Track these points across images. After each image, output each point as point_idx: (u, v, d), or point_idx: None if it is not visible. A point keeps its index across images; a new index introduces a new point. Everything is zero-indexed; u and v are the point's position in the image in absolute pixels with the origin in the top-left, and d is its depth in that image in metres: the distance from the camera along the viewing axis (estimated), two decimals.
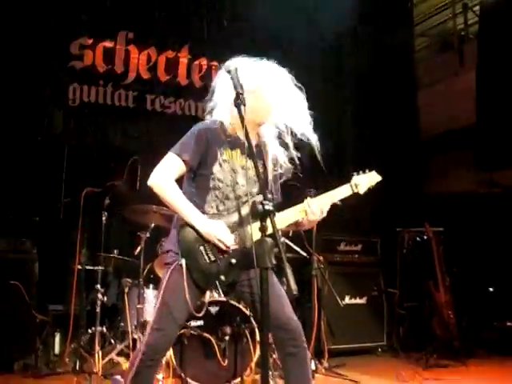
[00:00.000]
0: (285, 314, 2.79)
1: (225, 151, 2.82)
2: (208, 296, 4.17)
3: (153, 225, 4.87)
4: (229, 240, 2.72)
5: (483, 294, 6.69)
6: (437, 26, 9.21)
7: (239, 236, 2.77)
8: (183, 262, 2.71)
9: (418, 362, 5.57)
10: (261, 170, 2.72)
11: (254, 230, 2.60)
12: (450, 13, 8.73)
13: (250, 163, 2.76)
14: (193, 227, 2.72)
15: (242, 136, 2.74)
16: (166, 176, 2.77)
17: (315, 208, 2.81)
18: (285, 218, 2.82)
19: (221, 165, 2.81)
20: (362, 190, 2.95)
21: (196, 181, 2.85)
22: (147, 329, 2.79)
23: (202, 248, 2.74)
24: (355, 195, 2.95)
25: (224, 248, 2.72)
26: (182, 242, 2.76)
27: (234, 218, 2.80)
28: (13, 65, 5.91)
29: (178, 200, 2.76)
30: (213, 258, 2.74)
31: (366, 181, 2.96)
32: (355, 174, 2.97)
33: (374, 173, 3.01)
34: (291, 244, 4.91)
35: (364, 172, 2.99)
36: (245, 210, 2.81)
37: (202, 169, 2.82)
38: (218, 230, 2.71)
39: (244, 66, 2.80)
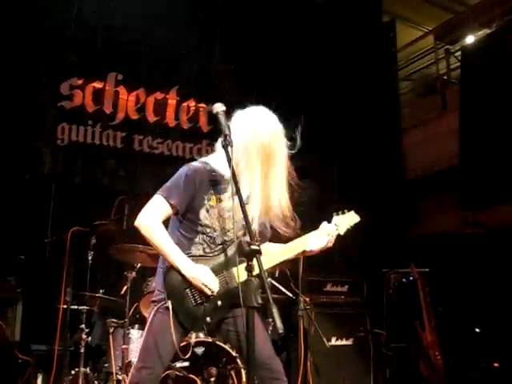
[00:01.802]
0: (266, 354, 2.81)
1: (212, 196, 2.83)
2: (194, 337, 4.15)
3: (139, 264, 4.86)
4: (214, 285, 2.74)
5: (470, 335, 6.68)
6: (420, 70, 9.44)
7: (225, 278, 2.79)
8: (169, 303, 2.72)
9: None
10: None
11: (240, 270, 2.62)
12: (433, 58, 8.96)
13: (237, 206, 2.78)
14: (178, 271, 2.74)
15: (229, 178, 2.68)
16: (152, 218, 2.78)
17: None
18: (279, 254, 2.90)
19: (208, 210, 2.82)
20: (342, 231, 3.01)
21: (183, 223, 2.86)
22: (132, 367, 2.79)
23: (188, 291, 2.76)
24: (337, 236, 3.00)
25: (209, 293, 2.73)
26: (168, 284, 2.77)
27: (220, 259, 2.82)
28: (2, 104, 5.96)
29: (165, 243, 2.77)
30: (199, 301, 2.75)
31: (345, 221, 3.03)
32: (335, 214, 3.02)
33: (352, 213, 3.08)
34: (277, 285, 4.92)
35: (343, 212, 3.04)
36: (231, 251, 2.83)
37: (189, 213, 2.83)
38: (204, 276, 2.73)
39: (239, 117, 2.83)
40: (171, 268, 2.76)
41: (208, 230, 2.83)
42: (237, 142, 2.67)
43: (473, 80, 7.18)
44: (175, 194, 2.80)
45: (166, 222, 2.87)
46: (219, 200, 2.84)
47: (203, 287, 2.72)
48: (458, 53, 8.28)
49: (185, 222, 2.86)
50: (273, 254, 2.91)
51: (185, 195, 2.79)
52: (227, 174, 2.71)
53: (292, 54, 7.48)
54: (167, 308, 2.72)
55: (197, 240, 2.83)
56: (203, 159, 2.94)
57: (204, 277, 2.73)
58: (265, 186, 2.79)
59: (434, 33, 8.90)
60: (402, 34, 9.17)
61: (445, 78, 8.76)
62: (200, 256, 2.81)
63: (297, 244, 2.94)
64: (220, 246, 2.85)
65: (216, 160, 2.83)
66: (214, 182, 2.83)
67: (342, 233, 3.00)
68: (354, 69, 7.96)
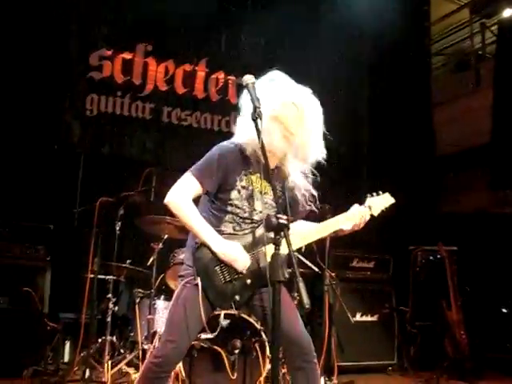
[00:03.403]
0: (296, 329, 2.79)
1: (244, 177, 2.82)
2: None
3: (166, 236, 4.88)
4: (245, 261, 2.73)
5: (496, 315, 6.62)
6: (454, 44, 9.22)
7: (255, 256, 2.77)
8: (199, 280, 2.72)
9: (429, 381, 5.52)
10: (279, 193, 2.76)
11: (269, 249, 2.60)
12: (468, 32, 8.74)
13: (268, 188, 2.78)
14: (209, 248, 2.73)
15: (261, 158, 2.58)
16: (183, 195, 2.77)
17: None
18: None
19: (239, 191, 2.81)
20: (375, 212, 2.97)
21: (214, 202, 2.85)
22: (159, 340, 2.80)
23: (217, 268, 2.75)
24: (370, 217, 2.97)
25: (240, 269, 2.72)
26: (198, 261, 2.77)
27: (249, 238, 2.81)
28: (32, 75, 5.98)
29: (195, 220, 2.75)
30: (228, 279, 2.75)
31: (379, 203, 2.98)
32: (369, 195, 2.98)
33: (387, 195, 3.03)
34: (304, 259, 4.89)
35: (378, 194, 3.00)
36: (260, 231, 2.81)
37: (220, 193, 2.82)
38: (235, 252, 2.72)
39: (268, 87, 2.76)
40: (202, 245, 2.75)
41: (238, 211, 2.81)
42: (267, 115, 2.64)
43: (509, 55, 6.99)
44: (207, 175, 2.77)
45: (195, 199, 2.85)
46: (251, 181, 2.82)
47: (234, 263, 2.71)
48: (494, 27, 8.06)
49: (215, 201, 2.84)
50: (306, 233, 2.89)
51: (216, 177, 2.77)
52: (257, 151, 2.67)
53: (321, 28, 7.37)
54: (196, 284, 2.72)
55: (226, 218, 2.82)
56: (234, 139, 2.87)
57: (235, 252, 2.72)
58: (297, 155, 2.80)
59: (470, 6, 8.66)
60: (437, 7, 8.94)
61: (479, 52, 8.55)
62: (229, 234, 2.80)
63: (330, 224, 2.91)
64: (250, 225, 2.83)
65: (246, 137, 2.77)
66: (246, 163, 2.81)
67: (375, 214, 2.96)
68: (387, 43, 7.80)
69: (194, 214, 2.76)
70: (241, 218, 2.82)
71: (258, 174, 2.81)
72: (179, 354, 2.79)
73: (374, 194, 2.99)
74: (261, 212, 2.83)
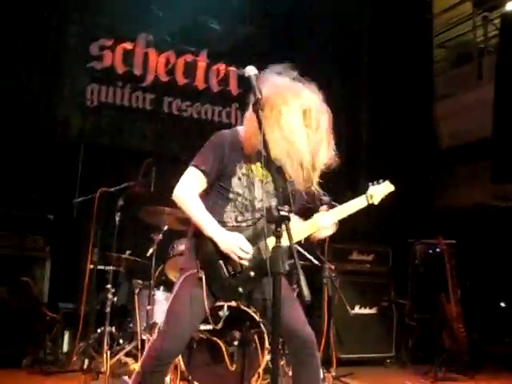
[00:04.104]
0: (299, 322, 2.79)
1: (244, 165, 2.80)
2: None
3: (166, 227, 4.88)
4: (249, 249, 2.71)
5: (494, 309, 6.63)
6: (456, 37, 9.18)
7: (258, 248, 2.76)
8: (202, 274, 2.71)
9: (427, 374, 5.53)
10: (280, 183, 2.72)
11: (270, 241, 2.58)
12: (470, 25, 8.69)
13: (268, 177, 2.77)
14: (213, 241, 2.71)
15: (261, 147, 2.59)
16: (186, 189, 2.78)
17: (327, 222, 2.87)
18: (298, 232, 2.83)
19: (240, 178, 2.79)
20: (376, 201, 2.99)
21: (215, 191, 2.84)
22: (158, 333, 2.78)
23: (221, 261, 2.74)
24: (370, 206, 2.97)
25: (244, 255, 2.70)
26: (201, 254, 2.75)
27: (252, 231, 2.79)
28: (32, 64, 5.97)
29: (198, 213, 2.75)
30: (232, 272, 2.73)
31: (380, 191, 3.00)
32: (370, 184, 2.98)
33: (387, 183, 3.05)
34: (303, 251, 4.89)
35: (378, 182, 3.01)
36: (261, 223, 2.79)
37: (220, 181, 2.81)
38: (238, 241, 2.70)
39: (276, 81, 2.73)
40: (205, 238, 2.73)
41: (240, 199, 2.80)
42: (274, 108, 2.63)
43: (511, 48, 6.95)
44: (205, 160, 2.77)
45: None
46: (251, 169, 2.81)
47: (239, 251, 2.69)
48: (497, 20, 8.01)
49: (217, 189, 2.83)
50: (306, 224, 2.87)
51: (215, 161, 2.76)
52: (258, 142, 2.61)
53: (324, 18, 7.34)
54: (199, 278, 2.70)
55: (228, 208, 2.81)
56: (235, 128, 2.89)
57: (239, 242, 2.70)
58: (305, 152, 2.71)
59: None
60: None
61: (481, 46, 8.51)
62: (233, 226, 2.79)
63: (338, 210, 2.92)
64: (252, 215, 2.82)
65: (248, 126, 2.74)
66: (247, 151, 2.78)
67: (376, 202, 2.99)
68: (388, 35, 7.77)
69: (196, 207, 2.75)
70: (243, 205, 2.81)
71: (259, 163, 2.79)
72: (179, 346, 2.78)
73: (375, 182, 3.00)
74: (262, 200, 2.81)
